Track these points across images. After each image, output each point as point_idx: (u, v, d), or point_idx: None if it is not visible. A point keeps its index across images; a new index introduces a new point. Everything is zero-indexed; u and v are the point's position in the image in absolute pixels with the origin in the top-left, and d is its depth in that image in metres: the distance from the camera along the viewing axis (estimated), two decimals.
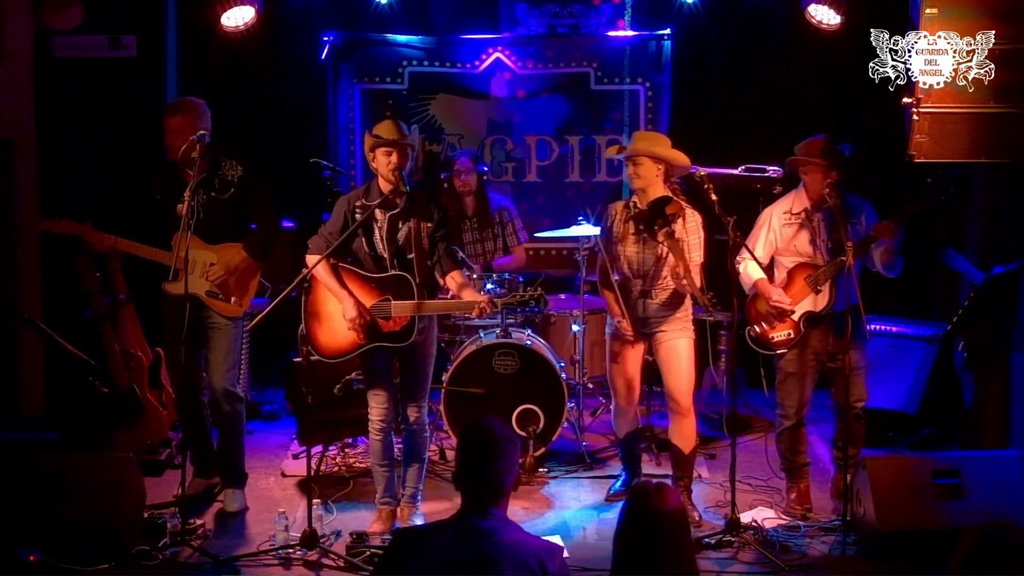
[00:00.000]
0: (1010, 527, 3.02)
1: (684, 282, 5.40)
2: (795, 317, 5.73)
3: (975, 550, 2.99)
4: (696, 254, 5.56)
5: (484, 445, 3.45)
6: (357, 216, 5.39)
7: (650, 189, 5.57)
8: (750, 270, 5.79)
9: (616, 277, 5.70)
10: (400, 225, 5.40)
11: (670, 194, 5.56)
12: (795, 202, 5.82)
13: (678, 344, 5.65)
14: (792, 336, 5.74)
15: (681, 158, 5.61)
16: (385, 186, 5.40)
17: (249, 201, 5.77)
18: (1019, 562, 2.95)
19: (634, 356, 5.76)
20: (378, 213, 5.40)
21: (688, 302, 5.69)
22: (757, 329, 5.81)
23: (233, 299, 5.74)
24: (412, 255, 5.37)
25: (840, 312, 5.53)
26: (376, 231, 5.41)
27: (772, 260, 5.88)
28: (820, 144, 5.75)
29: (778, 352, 5.80)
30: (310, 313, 5.46)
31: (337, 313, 5.43)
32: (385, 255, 5.42)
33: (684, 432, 5.71)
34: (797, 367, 5.77)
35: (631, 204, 5.68)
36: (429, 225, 5.39)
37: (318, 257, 5.33)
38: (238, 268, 5.72)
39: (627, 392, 5.78)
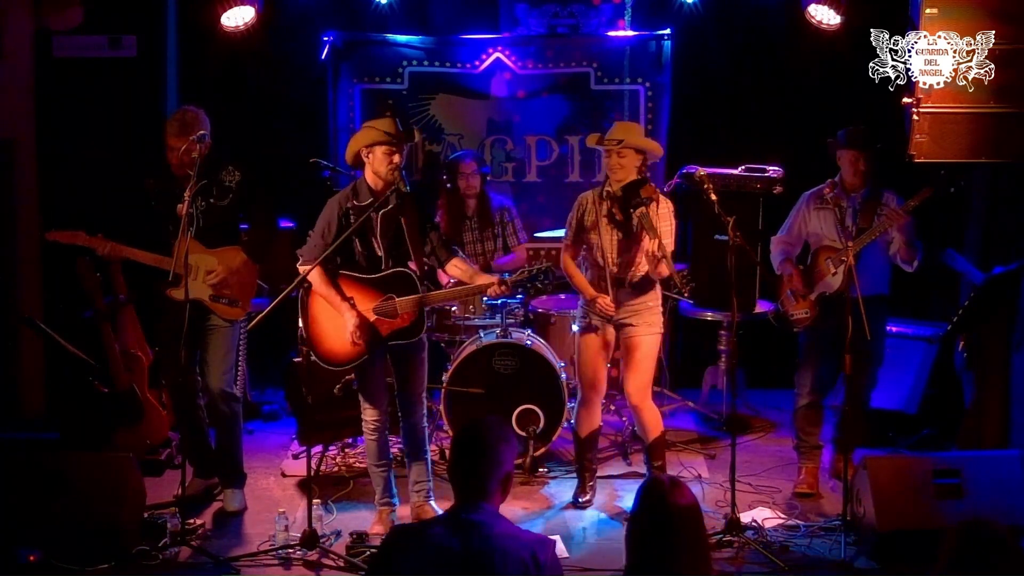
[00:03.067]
0: (990, 523, 3.02)
1: (659, 260, 5.42)
2: (812, 298, 6.00)
3: (958, 549, 3.00)
4: (667, 241, 5.57)
5: (476, 441, 3.46)
6: (352, 219, 5.32)
7: (628, 178, 5.63)
8: (777, 250, 6.13)
9: (587, 272, 5.76)
10: (394, 223, 5.38)
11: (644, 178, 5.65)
12: (829, 188, 5.99)
13: (643, 341, 5.69)
14: (808, 315, 6.02)
15: (656, 147, 5.74)
16: (376, 184, 5.35)
17: (248, 206, 5.78)
18: (1000, 559, 2.96)
19: (604, 347, 5.78)
20: (371, 213, 5.35)
21: (658, 293, 5.73)
22: (782, 306, 6.10)
23: (235, 302, 5.74)
24: (410, 250, 5.37)
25: (856, 299, 5.57)
26: (369, 231, 5.38)
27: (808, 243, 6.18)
28: (855, 132, 5.96)
29: (795, 330, 6.08)
30: (313, 323, 5.43)
31: (340, 322, 5.37)
32: (381, 254, 5.40)
33: (645, 423, 5.80)
34: (811, 346, 6.09)
35: (604, 192, 5.70)
36: (417, 216, 5.39)
37: (310, 266, 5.27)
38: (239, 270, 5.73)
39: (595, 382, 5.82)
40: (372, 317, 5.37)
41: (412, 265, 5.43)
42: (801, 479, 6.08)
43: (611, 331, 5.75)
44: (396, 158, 5.29)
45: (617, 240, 5.65)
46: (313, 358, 5.43)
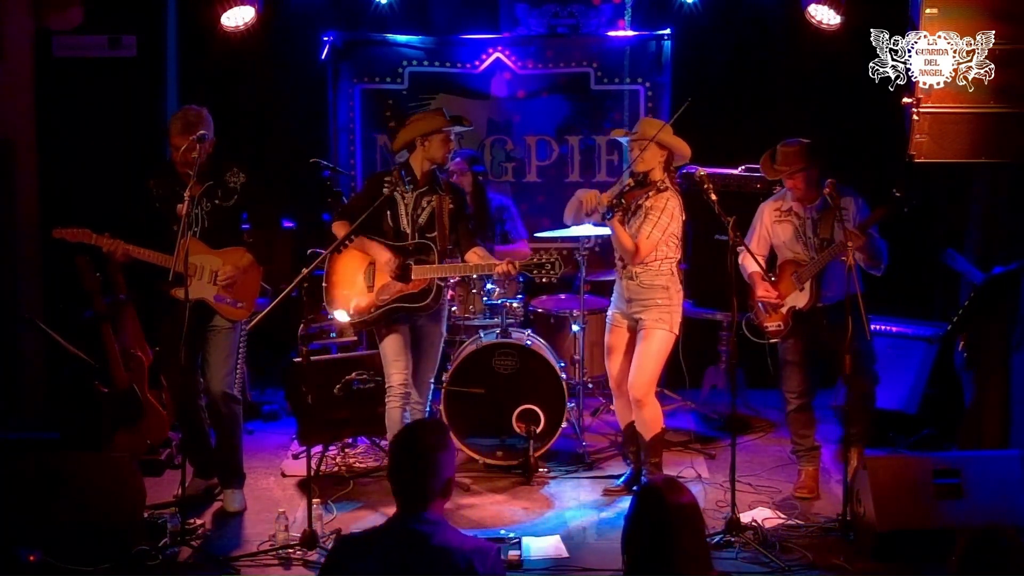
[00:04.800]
0: (1004, 529, 3.02)
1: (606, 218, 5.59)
2: (784, 310, 5.98)
3: (971, 555, 3.00)
4: (648, 227, 5.64)
5: (413, 449, 3.44)
6: (385, 189, 5.69)
7: (651, 174, 5.70)
8: (747, 262, 6.00)
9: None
10: (424, 204, 5.74)
11: (666, 178, 5.72)
12: (785, 199, 6.01)
13: (650, 335, 5.72)
14: (782, 328, 6.01)
15: (683, 146, 5.75)
16: (424, 168, 5.74)
17: (252, 207, 5.79)
18: (1015, 565, 2.95)
19: (622, 342, 5.86)
20: (406, 192, 5.74)
21: (671, 293, 5.75)
22: (755, 318, 6.08)
23: (240, 304, 5.74)
24: (435, 232, 5.70)
25: (832, 307, 5.62)
26: (401, 206, 5.73)
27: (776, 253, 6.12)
28: (783, 155, 5.90)
29: (771, 341, 6.07)
30: (331, 279, 5.84)
31: (357, 278, 5.77)
32: (408, 231, 5.74)
33: (643, 420, 5.81)
34: (793, 356, 6.04)
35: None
36: (451, 206, 5.74)
37: (344, 225, 5.64)
38: (247, 271, 5.74)
39: (614, 376, 5.92)
40: (387, 279, 5.70)
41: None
42: (800, 482, 6.06)
43: (628, 327, 5.83)
44: (452, 144, 5.80)
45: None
46: (329, 316, 6.03)
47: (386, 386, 5.79)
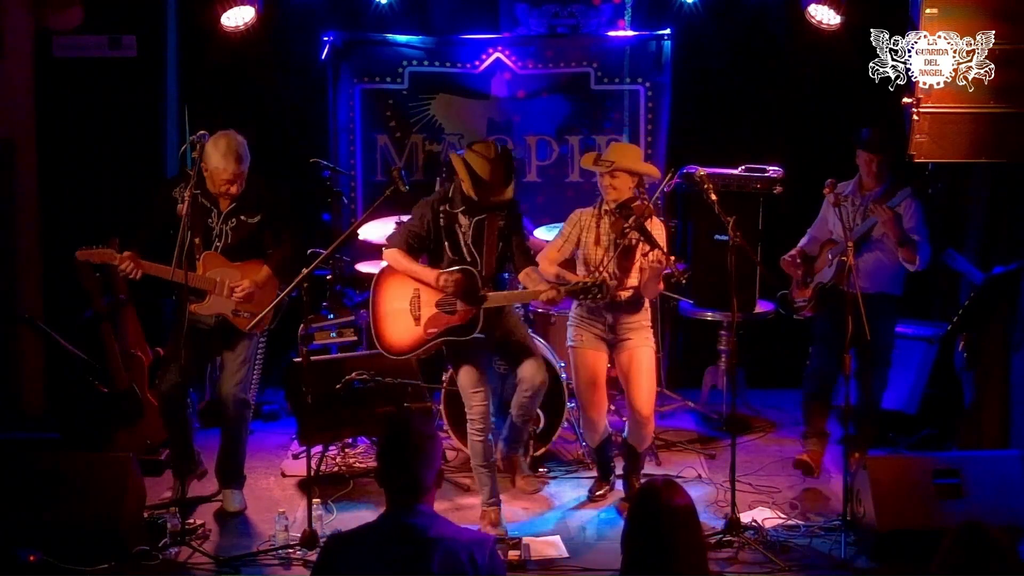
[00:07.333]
0: (985, 526, 3.03)
1: (663, 265, 5.42)
2: (813, 285, 6.23)
3: (954, 552, 3.01)
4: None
5: (406, 444, 3.42)
6: (441, 221, 5.52)
7: (621, 198, 5.63)
8: (801, 242, 6.41)
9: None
10: (483, 229, 5.53)
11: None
12: (849, 187, 6.18)
13: (641, 354, 5.71)
14: (807, 302, 6.23)
15: (653, 171, 5.76)
16: (471, 192, 5.43)
17: (277, 220, 5.79)
18: (995, 561, 2.97)
19: (600, 365, 5.80)
20: (462, 219, 5.52)
21: (649, 313, 5.77)
22: (791, 293, 6.34)
23: (256, 319, 5.63)
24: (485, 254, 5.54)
25: (856, 299, 5.62)
26: (460, 236, 5.53)
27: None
28: (871, 134, 6.08)
29: (795, 316, 6.35)
30: (376, 313, 5.66)
31: (403, 310, 5.58)
32: (470, 259, 5.53)
33: (645, 436, 5.84)
34: (817, 336, 6.27)
35: (602, 211, 5.70)
36: (501, 223, 5.53)
37: (397, 252, 5.56)
38: (264, 285, 5.72)
39: (598, 402, 5.82)
40: (433, 310, 5.56)
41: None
42: (805, 456, 6.19)
43: (606, 349, 5.78)
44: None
45: (614, 259, 5.63)
46: (378, 350, 5.72)
47: (468, 417, 5.61)
